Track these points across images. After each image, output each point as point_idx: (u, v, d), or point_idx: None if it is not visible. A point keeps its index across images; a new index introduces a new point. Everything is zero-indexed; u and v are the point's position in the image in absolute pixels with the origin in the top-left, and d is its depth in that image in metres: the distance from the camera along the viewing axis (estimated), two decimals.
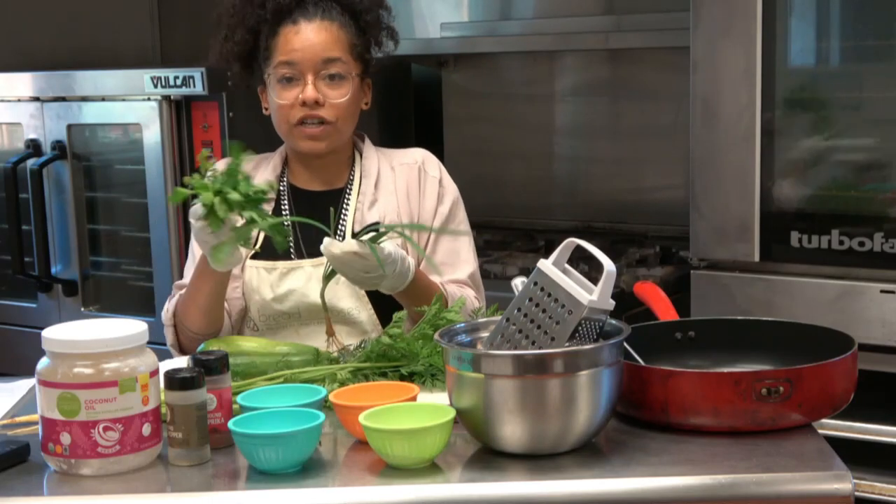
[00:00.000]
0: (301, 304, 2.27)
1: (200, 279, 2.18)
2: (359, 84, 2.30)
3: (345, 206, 2.33)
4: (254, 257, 2.31)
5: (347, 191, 2.35)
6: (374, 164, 2.36)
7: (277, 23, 2.26)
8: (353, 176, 2.36)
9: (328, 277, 2.09)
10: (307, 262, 2.29)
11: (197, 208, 1.97)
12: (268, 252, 2.29)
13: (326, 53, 2.24)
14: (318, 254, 2.29)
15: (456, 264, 2.32)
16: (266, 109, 2.34)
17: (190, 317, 2.22)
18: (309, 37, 2.25)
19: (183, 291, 2.28)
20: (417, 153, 2.41)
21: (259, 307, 2.29)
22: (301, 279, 2.28)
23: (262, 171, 2.37)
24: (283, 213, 2.34)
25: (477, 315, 2.10)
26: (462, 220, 2.39)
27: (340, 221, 2.32)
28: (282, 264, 2.28)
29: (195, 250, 2.35)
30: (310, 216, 2.31)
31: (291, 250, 2.31)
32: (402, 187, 2.34)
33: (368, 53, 2.33)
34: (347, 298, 2.27)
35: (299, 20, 2.25)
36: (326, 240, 2.01)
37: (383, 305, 2.25)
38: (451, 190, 2.38)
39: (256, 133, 2.39)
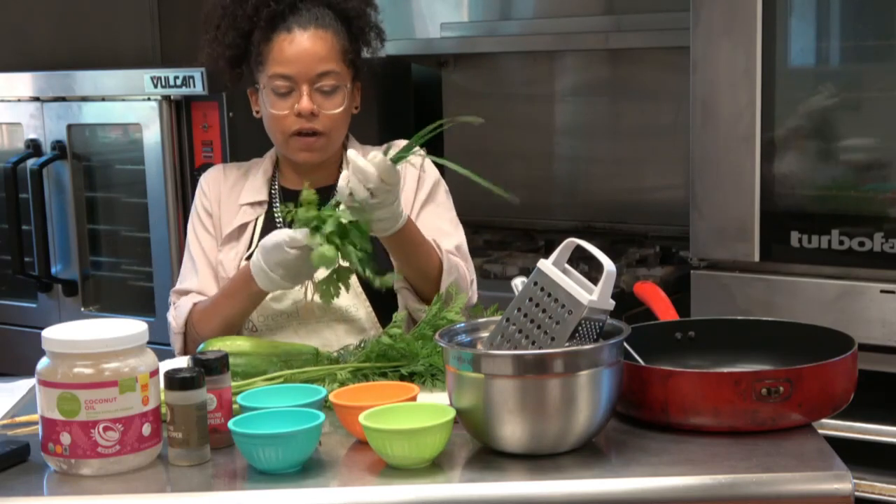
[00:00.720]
0: (299, 304, 2.27)
1: (239, 294, 2.17)
2: (350, 91, 2.29)
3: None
4: (250, 258, 2.30)
5: (336, 188, 2.35)
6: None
7: (271, 29, 2.24)
8: (341, 174, 2.35)
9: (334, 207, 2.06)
10: None
11: (298, 237, 2.00)
12: None
13: (322, 66, 2.23)
14: None
15: (439, 238, 2.29)
16: (257, 112, 2.33)
17: (209, 327, 2.21)
18: (304, 47, 2.23)
19: (191, 298, 2.28)
20: (399, 144, 2.41)
21: (258, 307, 2.29)
22: None
23: (253, 177, 2.38)
24: (276, 215, 2.34)
25: (478, 314, 2.09)
26: (443, 202, 2.37)
27: None
28: None
29: (195, 255, 2.35)
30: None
31: None
32: None
33: (359, 58, 2.32)
34: (345, 296, 2.26)
35: (293, 28, 2.23)
36: (351, 151, 2.01)
37: (381, 303, 2.25)
38: (432, 174, 2.38)
39: (256, 133, 2.39)
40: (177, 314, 2.29)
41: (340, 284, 2.00)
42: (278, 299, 2.27)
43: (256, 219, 2.35)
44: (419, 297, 2.22)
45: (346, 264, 1.98)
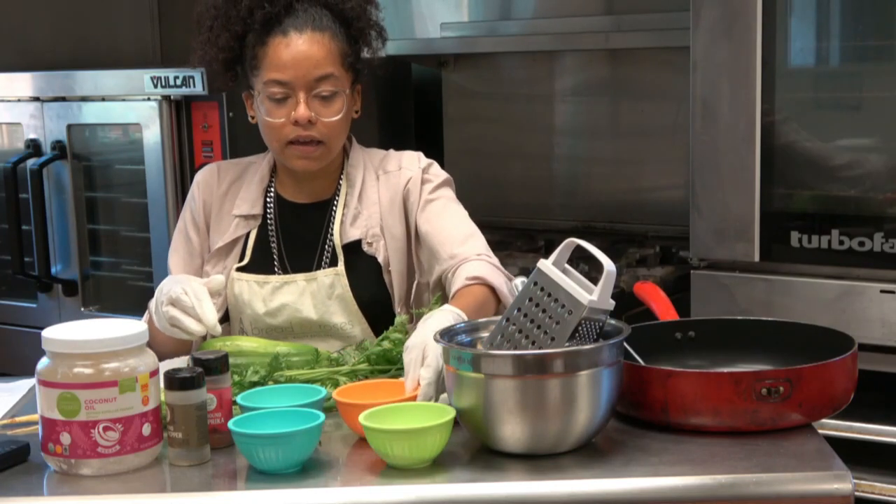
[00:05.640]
0: (293, 319, 2.24)
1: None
2: (350, 95, 2.23)
3: (331, 218, 2.28)
4: (241, 270, 2.26)
5: (334, 203, 2.29)
6: (358, 173, 2.29)
7: (266, 32, 2.16)
8: (339, 186, 2.30)
9: None
10: (300, 277, 2.24)
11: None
12: (255, 266, 2.26)
13: (319, 71, 2.16)
14: (306, 268, 2.25)
15: (462, 242, 2.20)
16: (252, 118, 2.27)
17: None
18: (301, 51, 2.15)
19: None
20: (405, 160, 2.32)
21: (251, 320, 2.26)
22: (294, 294, 2.24)
23: (249, 182, 2.32)
24: (269, 226, 2.29)
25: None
26: (455, 199, 2.30)
27: (329, 236, 2.27)
28: (274, 279, 2.25)
29: (172, 266, 2.30)
30: (296, 229, 2.28)
31: (276, 264, 2.27)
32: (385, 198, 2.28)
33: (359, 62, 2.25)
34: (340, 314, 2.24)
35: (289, 31, 2.15)
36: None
37: (378, 320, 2.21)
38: (439, 173, 2.31)
39: (256, 133, 2.39)
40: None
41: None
42: (272, 314, 2.24)
43: (248, 233, 2.29)
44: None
45: None
